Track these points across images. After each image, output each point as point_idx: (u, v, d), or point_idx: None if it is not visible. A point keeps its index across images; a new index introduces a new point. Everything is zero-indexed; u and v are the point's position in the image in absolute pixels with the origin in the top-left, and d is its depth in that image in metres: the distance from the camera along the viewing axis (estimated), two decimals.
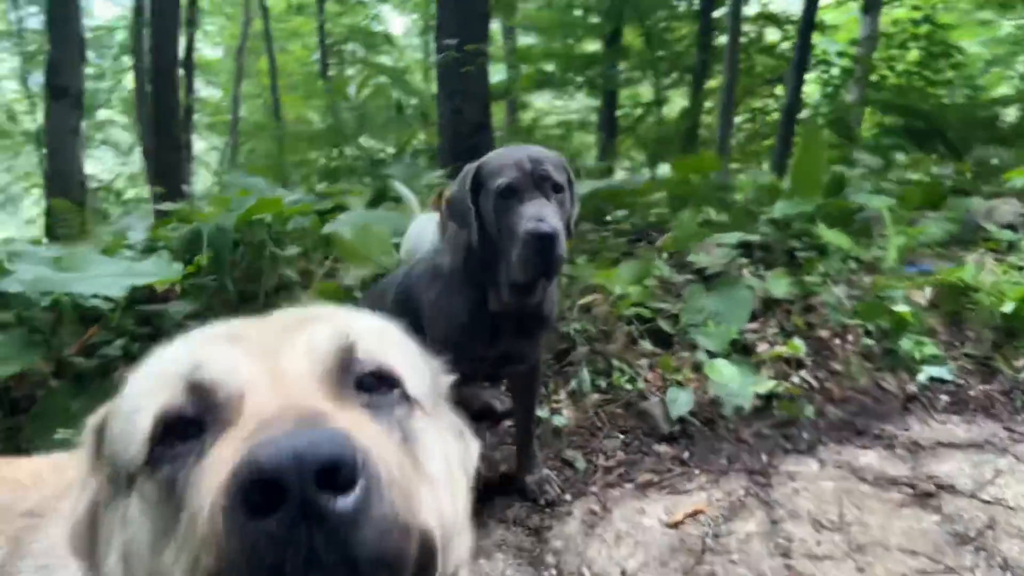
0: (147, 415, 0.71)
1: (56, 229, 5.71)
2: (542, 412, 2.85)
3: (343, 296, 2.97)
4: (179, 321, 2.98)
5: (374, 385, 0.77)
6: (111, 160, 17.52)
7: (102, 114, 17.32)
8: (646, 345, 3.10)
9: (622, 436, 2.81)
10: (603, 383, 2.98)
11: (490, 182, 2.01)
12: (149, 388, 0.74)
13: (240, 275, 3.29)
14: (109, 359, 3.04)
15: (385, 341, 0.83)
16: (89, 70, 16.17)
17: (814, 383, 2.97)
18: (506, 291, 2.09)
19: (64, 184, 8.40)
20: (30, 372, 3.17)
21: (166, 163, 6.59)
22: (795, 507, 2.45)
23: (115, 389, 2.53)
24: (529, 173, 1.98)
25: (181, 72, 16.37)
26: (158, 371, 0.76)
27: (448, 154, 5.87)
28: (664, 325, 3.16)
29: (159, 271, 2.77)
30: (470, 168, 2.11)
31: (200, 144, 18.86)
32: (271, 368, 0.72)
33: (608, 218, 3.86)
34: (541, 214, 1.91)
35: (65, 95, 7.68)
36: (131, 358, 3.16)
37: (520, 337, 2.23)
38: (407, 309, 2.45)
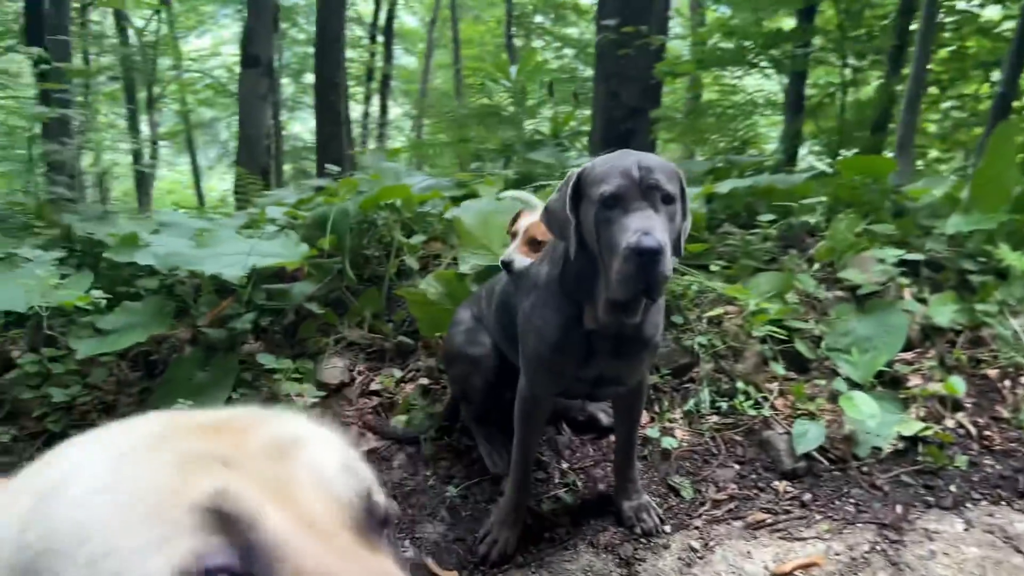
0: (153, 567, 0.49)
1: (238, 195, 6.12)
2: (652, 431, 2.69)
3: (458, 285, 2.94)
4: (300, 302, 3.08)
5: (382, 526, 0.66)
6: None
7: (309, 78, 18.54)
8: (778, 368, 2.83)
9: (738, 467, 2.59)
10: (724, 405, 2.76)
11: (593, 190, 1.84)
12: (128, 522, 0.51)
13: (363, 260, 3.35)
14: (237, 332, 3.20)
15: (365, 468, 0.73)
16: (301, 35, 17.55)
17: (972, 429, 2.59)
18: (603, 309, 1.93)
19: (251, 149, 9.15)
20: (170, 337, 3.41)
21: (327, 136, 6.90)
22: (929, 573, 2.15)
23: (238, 364, 2.60)
24: (637, 181, 1.78)
25: (381, 40, 17.24)
26: (131, 498, 0.52)
27: (599, 140, 5.70)
28: (802, 347, 2.88)
29: (283, 252, 2.87)
30: (572, 174, 1.96)
31: (396, 111, 19.78)
32: (297, 513, 0.58)
33: (759, 218, 3.56)
34: (647, 227, 1.72)
35: (257, 63, 8.22)
36: (260, 332, 3.32)
37: (617, 359, 2.08)
38: (507, 314, 2.37)
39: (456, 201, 3.76)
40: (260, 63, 8.19)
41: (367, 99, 17.99)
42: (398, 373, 3.08)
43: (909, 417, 2.60)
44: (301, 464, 0.62)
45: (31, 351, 3.08)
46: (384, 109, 17.54)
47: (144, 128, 16.42)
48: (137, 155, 15.22)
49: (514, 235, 2.57)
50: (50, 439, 3.01)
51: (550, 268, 2.10)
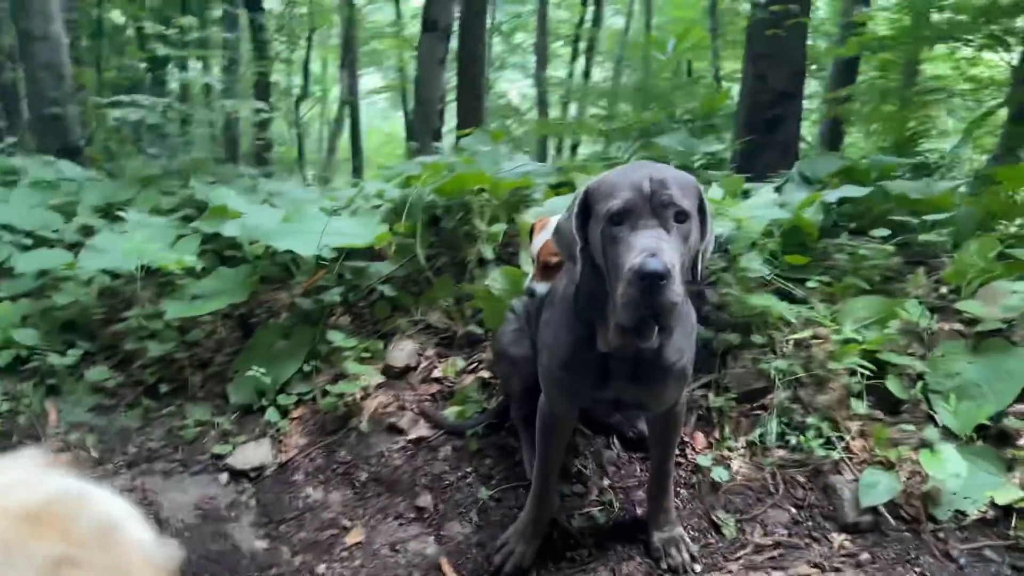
0: None
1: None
2: (704, 459, 2.50)
3: (520, 282, 2.86)
4: (375, 281, 3.12)
5: None
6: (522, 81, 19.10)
7: (519, 37, 18.89)
8: (862, 405, 2.53)
9: (794, 510, 2.35)
10: (793, 439, 2.51)
11: (600, 205, 1.68)
12: None
13: (443, 246, 3.33)
14: (324, 304, 3.30)
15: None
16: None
17: None
18: (613, 332, 1.78)
19: (426, 112, 9.47)
20: (270, 302, 3.57)
21: (466, 110, 6.94)
22: None
23: (312, 337, 2.66)
24: (647, 196, 1.61)
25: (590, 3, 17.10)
26: None
27: (743, 125, 5.33)
28: (894, 385, 2.55)
29: (358, 232, 2.91)
30: (580, 189, 1.81)
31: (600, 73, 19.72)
32: None
33: (871, 233, 3.18)
34: (653, 247, 1.55)
35: (435, 28, 8.38)
36: (349, 307, 3.40)
37: (635, 384, 1.93)
38: (534, 324, 2.28)
39: (554, 190, 3.65)
40: (438, 27, 8.35)
41: (572, 59, 17.83)
42: (461, 363, 3.06)
43: (1009, 482, 2.24)
44: (128, 547, 0.75)
45: (138, 307, 3.34)
46: (588, 73, 17.24)
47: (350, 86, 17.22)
48: (355, 109, 16.17)
49: (535, 259, 2.45)
50: (147, 389, 3.28)
51: (566, 285, 1.97)
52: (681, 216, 1.64)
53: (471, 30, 6.99)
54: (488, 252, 3.11)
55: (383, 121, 23.23)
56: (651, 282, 1.52)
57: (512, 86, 19.72)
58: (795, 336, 2.71)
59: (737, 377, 2.71)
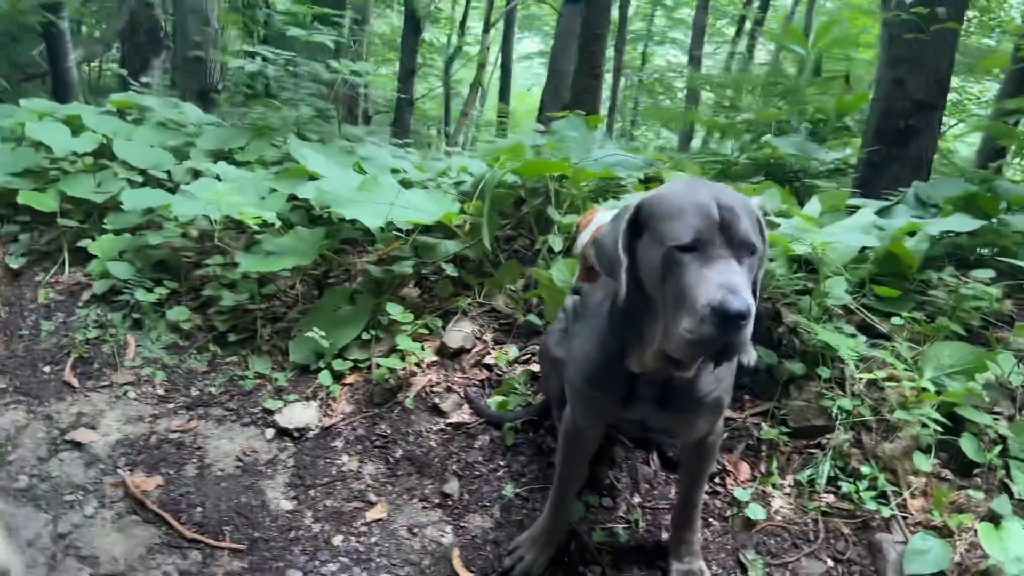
0: None
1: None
2: (742, 493, 2.35)
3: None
4: (441, 259, 3.08)
5: None
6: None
7: (682, 12, 18.64)
8: (929, 461, 2.30)
9: (831, 563, 2.18)
10: (845, 486, 2.32)
11: (661, 228, 1.53)
12: None
13: (521, 230, 3.26)
14: (394, 275, 3.31)
15: None
16: None
17: None
18: (653, 356, 1.67)
19: (558, 84, 9.42)
20: (348, 266, 3.62)
21: (582, 87, 6.76)
22: None
23: (372, 307, 2.68)
24: (717, 224, 1.48)
25: None
26: None
27: (872, 133, 4.92)
28: (969, 445, 2.30)
29: (427, 208, 2.89)
30: (628, 206, 1.66)
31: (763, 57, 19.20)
32: None
33: (972, 273, 2.88)
34: (732, 283, 1.42)
35: (578, 0, 8.22)
36: (420, 278, 3.40)
37: (663, 410, 1.82)
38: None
39: (643, 184, 3.51)
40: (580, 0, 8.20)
41: (735, 40, 17.25)
42: (515, 352, 3.00)
43: None
44: None
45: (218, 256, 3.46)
46: (750, 52, 16.58)
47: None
48: (507, 72, 16.38)
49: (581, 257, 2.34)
50: (218, 336, 3.41)
51: (602, 297, 1.87)
52: (752, 249, 1.50)
53: (596, 4, 6.79)
54: (557, 243, 3.02)
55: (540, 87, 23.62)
56: (732, 323, 1.40)
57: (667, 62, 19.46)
58: (868, 375, 2.50)
59: (796, 410, 2.53)
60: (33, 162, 4.31)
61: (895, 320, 2.69)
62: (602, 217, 2.32)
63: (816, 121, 6.19)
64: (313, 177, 3.34)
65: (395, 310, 2.99)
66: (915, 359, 2.55)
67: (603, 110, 11.69)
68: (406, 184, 3.28)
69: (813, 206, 3.17)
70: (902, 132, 4.87)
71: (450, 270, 3.15)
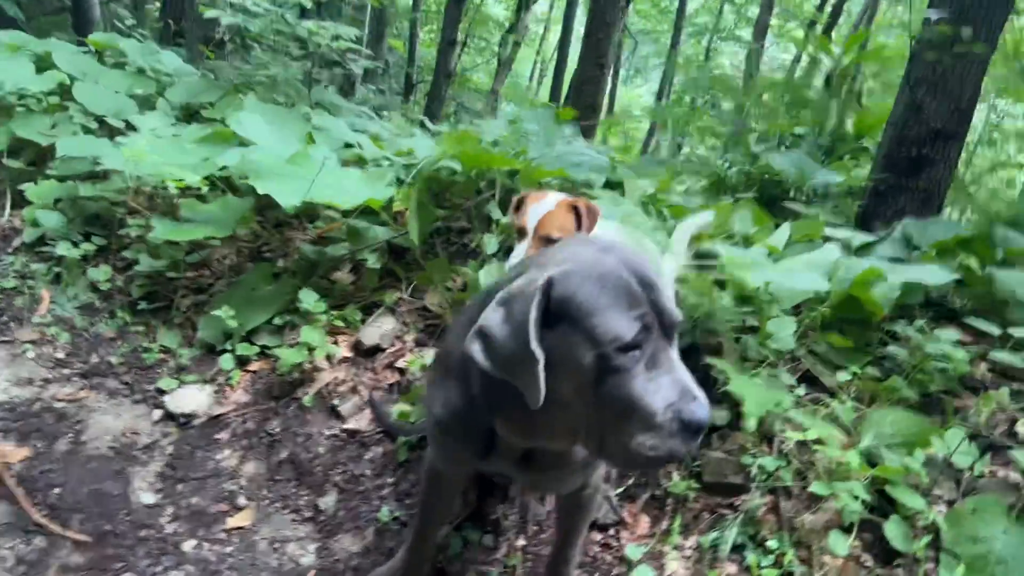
0: None
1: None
2: (634, 550, 2.10)
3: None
4: (367, 245, 2.85)
5: None
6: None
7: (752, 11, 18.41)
8: (847, 543, 2.03)
9: None
10: (751, 557, 2.06)
11: (590, 323, 1.18)
12: None
13: (468, 224, 3.00)
14: (325, 257, 3.08)
15: None
16: None
17: None
18: (525, 440, 1.44)
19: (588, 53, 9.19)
20: (291, 240, 3.39)
21: (585, 77, 6.45)
22: None
23: (291, 291, 2.43)
24: (650, 306, 1.20)
25: None
26: None
27: (882, 159, 4.57)
28: (895, 531, 2.02)
29: (350, 191, 2.67)
30: (532, 288, 1.22)
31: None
32: None
33: (939, 333, 2.58)
34: (687, 385, 1.19)
35: None
36: (356, 264, 3.18)
37: (528, 467, 1.56)
38: None
39: (606, 187, 3.24)
40: None
41: (804, 44, 16.83)
42: (430, 359, 2.77)
43: None
44: None
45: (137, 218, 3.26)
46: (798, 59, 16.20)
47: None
48: (564, 47, 16.08)
49: (521, 231, 2.09)
50: (132, 303, 3.21)
51: (463, 357, 1.42)
52: (679, 326, 1.26)
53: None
54: (493, 243, 2.76)
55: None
56: (701, 431, 1.17)
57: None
58: (797, 436, 2.22)
59: (714, 463, 2.26)
60: None
61: (841, 375, 2.41)
62: (551, 201, 2.07)
63: (836, 139, 5.87)
64: (243, 143, 3.11)
65: (309, 298, 2.76)
66: (857, 422, 2.27)
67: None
68: (349, 161, 3.04)
69: (781, 234, 2.89)
70: (914, 161, 4.52)
71: (372, 261, 2.90)
